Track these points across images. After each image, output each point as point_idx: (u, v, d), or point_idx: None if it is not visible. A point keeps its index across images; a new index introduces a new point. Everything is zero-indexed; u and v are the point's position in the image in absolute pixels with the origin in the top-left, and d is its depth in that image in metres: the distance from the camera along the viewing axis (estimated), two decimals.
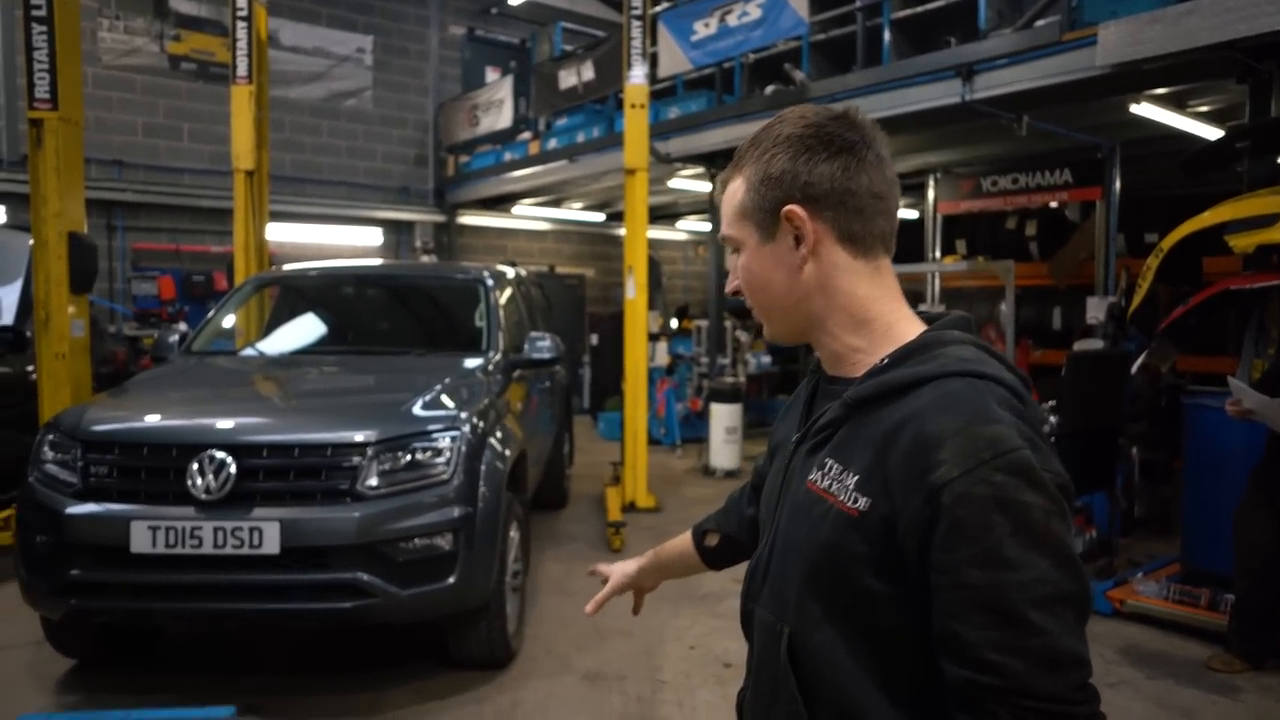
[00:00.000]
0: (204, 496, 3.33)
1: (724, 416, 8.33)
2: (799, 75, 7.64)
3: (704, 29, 8.16)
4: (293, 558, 3.34)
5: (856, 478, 1.00)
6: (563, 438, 6.99)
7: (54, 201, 4.93)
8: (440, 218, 13.00)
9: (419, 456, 3.60)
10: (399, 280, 5.94)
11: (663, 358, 10.35)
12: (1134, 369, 5.70)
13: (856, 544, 0.99)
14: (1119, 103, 6.19)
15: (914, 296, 9.27)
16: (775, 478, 1.21)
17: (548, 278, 12.66)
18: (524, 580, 4.49)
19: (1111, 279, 7.51)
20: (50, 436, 3.69)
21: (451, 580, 3.54)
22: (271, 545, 3.30)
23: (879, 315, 1.10)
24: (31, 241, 5.12)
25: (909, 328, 1.10)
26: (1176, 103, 6.42)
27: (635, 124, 6.10)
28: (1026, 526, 0.90)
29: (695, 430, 9.61)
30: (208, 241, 10.90)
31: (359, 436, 3.52)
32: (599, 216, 13.92)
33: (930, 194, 9.32)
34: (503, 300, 5.29)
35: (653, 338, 9.78)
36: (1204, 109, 6.66)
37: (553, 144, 10.59)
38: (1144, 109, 6.23)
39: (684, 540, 1.60)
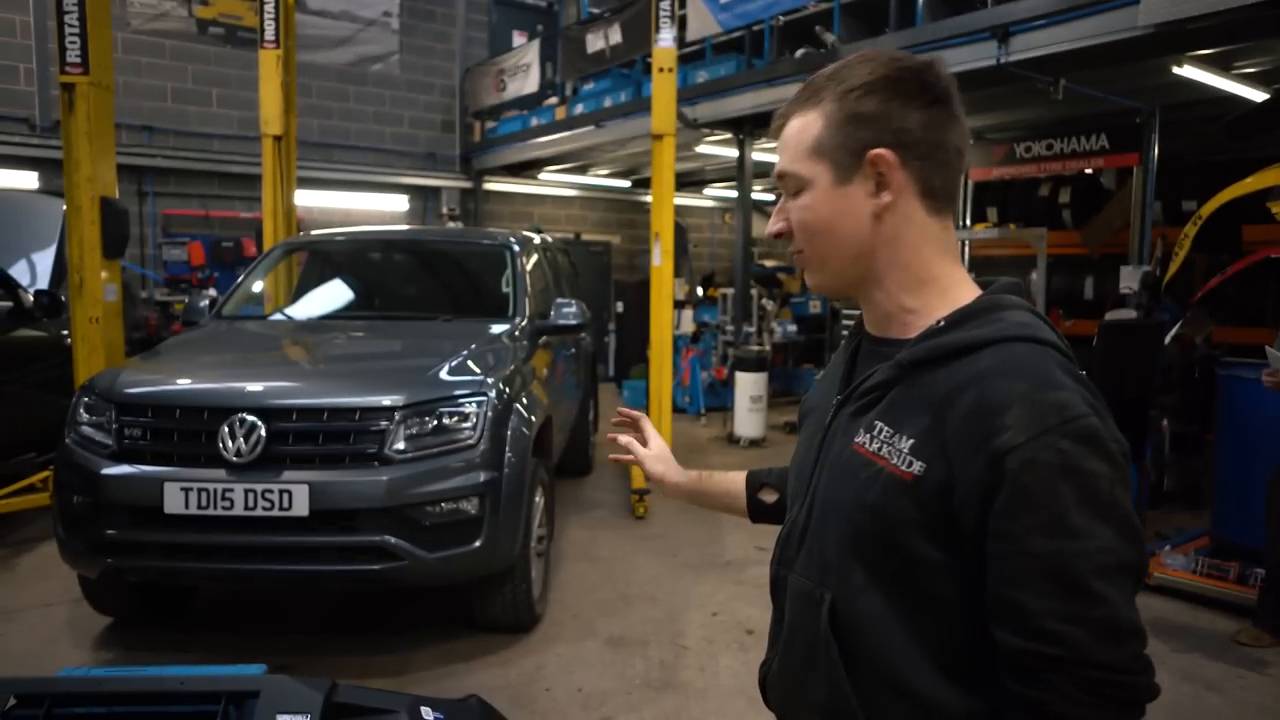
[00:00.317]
0: (235, 459, 3.38)
1: (749, 385, 8.31)
2: (830, 38, 7.49)
3: None
4: (322, 520, 3.38)
5: (911, 441, 0.98)
6: (588, 404, 7.01)
7: (86, 166, 4.97)
8: (466, 183, 12.99)
9: (446, 421, 3.63)
10: (426, 245, 5.95)
11: (688, 326, 10.33)
12: (1168, 339, 5.61)
13: (908, 508, 0.97)
14: (1160, 65, 6.01)
15: None
16: (810, 441, 1.18)
17: (574, 245, 12.64)
18: (549, 545, 4.53)
19: (1147, 248, 7.37)
20: (85, 399, 3.75)
21: (477, 544, 3.57)
22: (301, 507, 3.34)
23: (939, 276, 1.07)
24: (64, 207, 5.17)
25: (966, 291, 1.07)
26: (1221, 64, 6.24)
27: (663, 88, 6.03)
28: (1093, 494, 0.89)
29: (720, 399, 9.60)
30: (237, 207, 10.97)
31: (387, 401, 3.54)
32: (625, 183, 13.84)
33: None
34: (529, 266, 5.29)
35: (678, 305, 9.76)
36: (1250, 70, 6.46)
37: (579, 109, 10.51)
38: (1187, 71, 6.05)
39: (735, 481, 1.52)
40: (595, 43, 9.92)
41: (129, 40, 10.16)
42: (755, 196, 10.31)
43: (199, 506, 3.35)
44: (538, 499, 4.14)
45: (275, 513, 3.35)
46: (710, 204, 15.52)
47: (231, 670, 1.29)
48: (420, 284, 5.74)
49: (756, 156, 8.98)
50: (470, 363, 4.01)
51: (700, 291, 12.45)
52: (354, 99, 12.05)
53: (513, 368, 4.14)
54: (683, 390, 9.80)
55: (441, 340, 4.36)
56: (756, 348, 8.68)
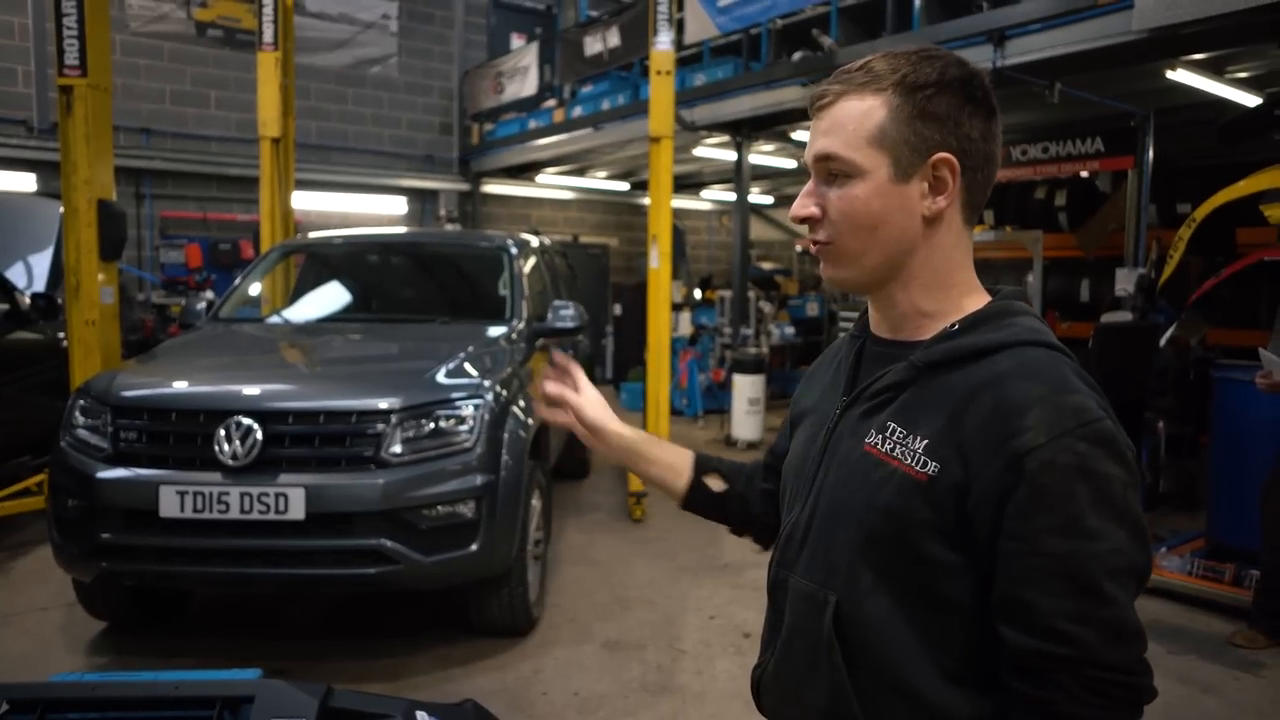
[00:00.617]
0: (231, 462, 3.38)
1: (746, 388, 8.32)
2: (827, 41, 7.51)
3: None
4: (318, 523, 3.38)
5: (925, 442, 0.98)
6: None
7: (83, 168, 4.96)
8: (464, 186, 12.98)
9: (442, 424, 3.63)
10: (423, 248, 5.95)
11: (686, 328, 10.34)
12: (1163, 342, 5.62)
13: (921, 509, 0.97)
14: (1154, 69, 6.03)
15: None
16: (812, 442, 1.16)
17: (572, 247, 12.63)
18: (545, 549, 4.53)
19: (1142, 250, 7.37)
20: (81, 402, 3.75)
21: (474, 547, 3.57)
22: (297, 511, 3.34)
23: (960, 282, 1.08)
24: (61, 209, 5.17)
25: (978, 297, 1.08)
26: (1214, 68, 6.26)
27: (661, 91, 6.04)
28: (1108, 497, 0.90)
29: (718, 401, 9.60)
30: (234, 209, 10.95)
31: (383, 404, 3.54)
32: (623, 185, 13.84)
33: None
34: (526, 268, 5.29)
35: (676, 308, 9.76)
36: (1243, 75, 6.48)
37: (577, 112, 10.51)
38: (1180, 75, 6.06)
39: (680, 456, 1.41)
40: (593, 45, 9.92)
41: (127, 42, 10.16)
42: (753, 199, 10.32)
43: (194, 510, 3.34)
44: (535, 502, 4.14)
45: (271, 516, 3.34)
46: (708, 207, 15.52)
47: (226, 675, 1.29)
48: (417, 286, 5.74)
49: (754, 159, 8.98)
50: (467, 365, 4.01)
51: (698, 294, 12.45)
52: (352, 101, 12.05)
53: (510, 370, 4.14)
54: (680, 393, 9.80)
55: (438, 343, 4.36)
56: (754, 350, 8.69)
